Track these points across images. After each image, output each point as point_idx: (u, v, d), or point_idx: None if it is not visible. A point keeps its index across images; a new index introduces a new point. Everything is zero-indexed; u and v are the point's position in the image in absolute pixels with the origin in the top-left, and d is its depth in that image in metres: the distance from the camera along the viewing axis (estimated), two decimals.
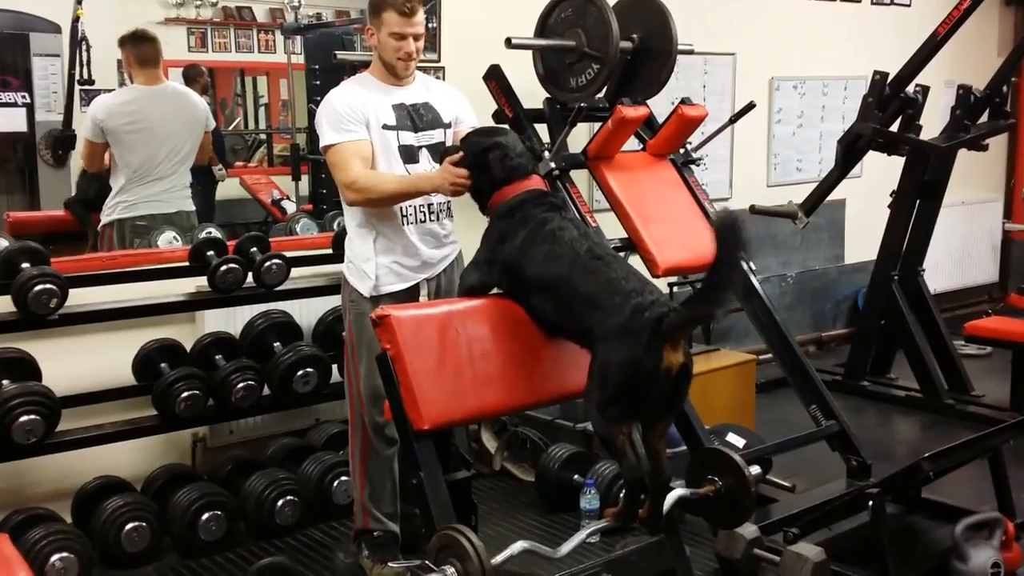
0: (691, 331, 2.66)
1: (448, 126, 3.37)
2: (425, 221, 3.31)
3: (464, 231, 3.44)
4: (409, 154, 3.27)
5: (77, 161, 4.54)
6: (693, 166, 4.38)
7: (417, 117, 3.30)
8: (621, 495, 3.62)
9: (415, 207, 3.28)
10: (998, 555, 3.40)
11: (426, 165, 3.27)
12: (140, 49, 4.35)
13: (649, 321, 2.54)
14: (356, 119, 3.19)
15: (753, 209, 5.30)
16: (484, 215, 3.01)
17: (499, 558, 2.46)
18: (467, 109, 3.47)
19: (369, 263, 3.25)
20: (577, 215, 3.25)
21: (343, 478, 3.79)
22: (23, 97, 4.55)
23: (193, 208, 4.48)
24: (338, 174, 3.20)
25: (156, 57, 4.39)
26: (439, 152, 3.25)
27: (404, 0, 3.19)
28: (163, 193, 4.36)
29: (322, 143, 3.23)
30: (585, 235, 2.83)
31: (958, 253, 7.39)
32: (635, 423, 2.63)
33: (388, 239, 3.26)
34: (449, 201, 3.36)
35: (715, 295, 2.57)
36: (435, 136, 3.33)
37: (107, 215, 4.32)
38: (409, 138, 3.27)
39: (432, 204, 3.31)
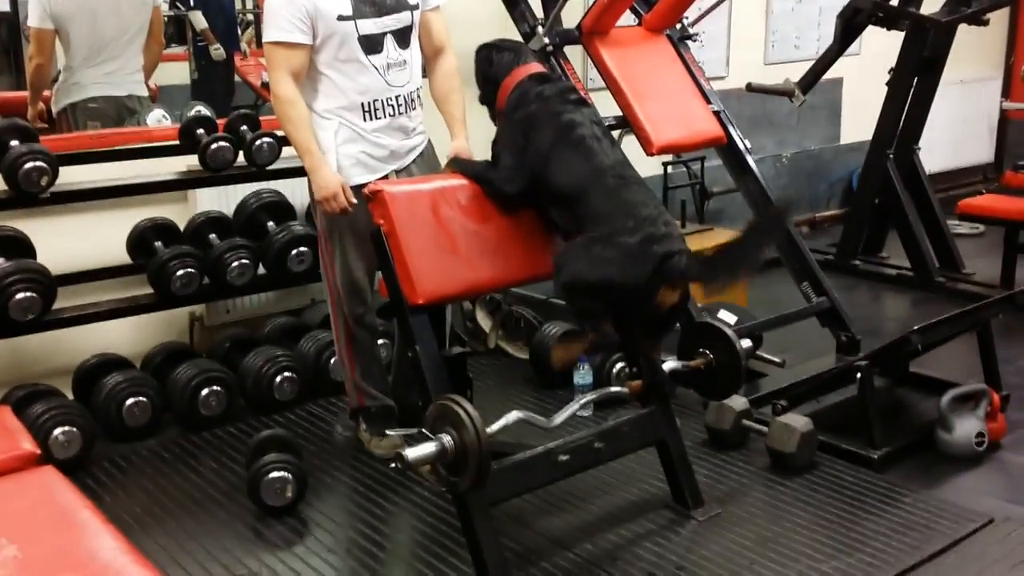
0: (692, 282, 2.67)
1: (415, 7, 3.12)
2: (395, 115, 3.13)
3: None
4: (371, 44, 3.03)
5: None
6: (690, 42, 4.31)
7: (379, 0, 3.05)
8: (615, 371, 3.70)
9: (383, 100, 3.09)
10: (983, 425, 3.48)
11: (391, 52, 3.07)
12: None
13: (655, 255, 2.53)
14: (297, 17, 2.94)
15: (750, 87, 5.23)
16: (495, 123, 2.95)
17: (495, 427, 2.52)
18: None
19: (329, 155, 3.07)
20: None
21: None
22: None
23: (146, 94, 4.36)
24: (269, 74, 3.05)
25: None
26: (406, 37, 3.10)
27: None
28: (112, 75, 4.23)
29: (263, 36, 3.05)
30: (615, 146, 2.79)
31: (954, 133, 7.34)
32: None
33: (352, 130, 3.09)
34: (419, 88, 3.21)
35: (731, 266, 2.57)
36: (402, 19, 3.08)
37: (58, 101, 4.21)
38: (369, 26, 3.01)
39: (400, 95, 3.13)
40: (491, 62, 2.97)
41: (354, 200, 3.02)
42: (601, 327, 2.70)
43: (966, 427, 3.45)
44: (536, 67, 2.95)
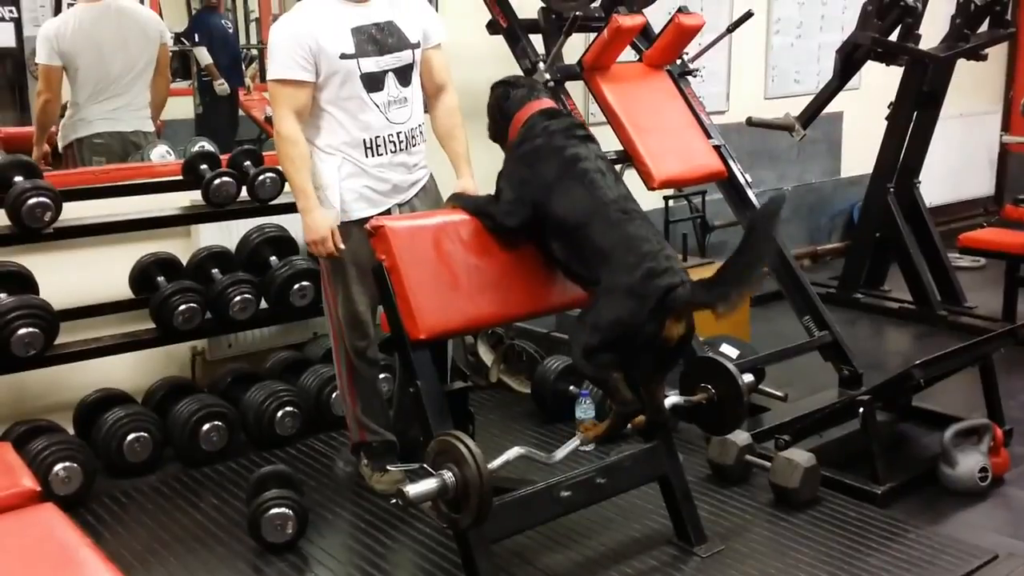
0: (697, 309, 2.65)
1: (416, 45, 3.16)
2: (396, 151, 3.15)
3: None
4: (372, 82, 3.06)
5: None
6: (690, 77, 4.35)
7: (381, 39, 3.07)
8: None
9: (384, 137, 3.11)
10: (986, 460, 3.46)
11: (392, 90, 3.10)
12: None
13: (657, 289, 2.54)
14: (300, 55, 2.97)
15: (750, 121, 5.26)
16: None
17: (496, 463, 2.51)
18: (435, 24, 3.26)
19: (331, 189, 3.09)
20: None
21: None
22: (10, 12, 4.45)
23: (152, 129, 4.39)
24: (273, 111, 3.08)
25: None
26: (407, 75, 3.14)
27: None
28: (118, 111, 4.26)
29: (267, 74, 3.08)
30: (619, 181, 2.81)
31: (955, 166, 7.36)
32: (623, 370, 2.66)
33: (354, 165, 3.11)
34: (421, 124, 3.23)
35: (731, 286, 2.52)
36: (403, 58, 3.11)
37: (65, 136, 4.25)
38: (371, 65, 3.05)
39: (402, 132, 3.15)
40: (507, 97, 3.00)
41: (342, 245, 3.05)
42: (619, 391, 2.68)
43: (969, 462, 3.44)
44: (547, 103, 2.97)
